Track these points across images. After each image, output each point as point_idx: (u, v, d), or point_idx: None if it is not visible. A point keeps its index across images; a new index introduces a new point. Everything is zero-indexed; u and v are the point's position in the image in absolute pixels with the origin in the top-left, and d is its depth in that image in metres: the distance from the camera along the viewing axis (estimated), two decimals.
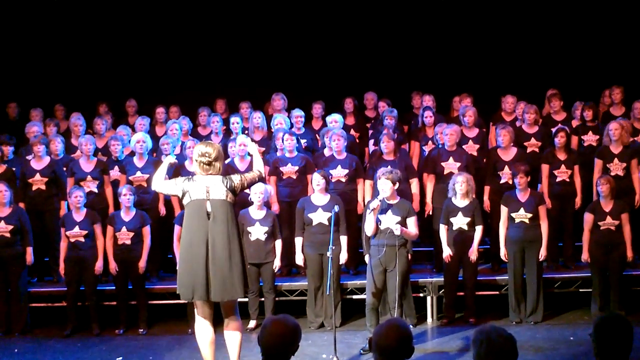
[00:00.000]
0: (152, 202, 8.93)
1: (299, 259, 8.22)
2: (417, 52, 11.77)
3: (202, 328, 6.15)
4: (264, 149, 9.48)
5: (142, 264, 8.35)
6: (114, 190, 8.90)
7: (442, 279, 8.41)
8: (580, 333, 7.70)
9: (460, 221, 8.08)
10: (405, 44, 11.82)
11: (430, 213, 8.87)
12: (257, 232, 8.12)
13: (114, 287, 8.52)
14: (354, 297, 8.58)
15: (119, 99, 11.18)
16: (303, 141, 9.43)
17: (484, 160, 9.18)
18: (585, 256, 8.23)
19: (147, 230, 8.42)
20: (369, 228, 7.32)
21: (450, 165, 8.71)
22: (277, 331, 3.59)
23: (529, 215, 8.06)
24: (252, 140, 9.36)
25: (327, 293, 7.55)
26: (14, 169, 9.10)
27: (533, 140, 9.28)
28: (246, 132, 9.84)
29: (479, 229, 8.08)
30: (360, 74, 11.65)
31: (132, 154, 9.17)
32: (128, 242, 8.33)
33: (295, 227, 8.26)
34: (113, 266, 8.35)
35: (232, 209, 6.02)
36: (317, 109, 10.31)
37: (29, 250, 8.46)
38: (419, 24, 11.84)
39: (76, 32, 11.89)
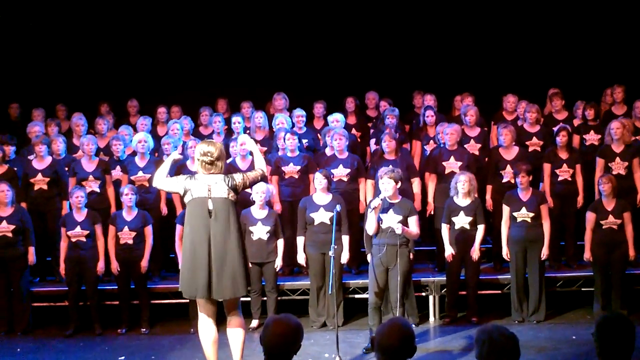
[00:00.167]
0: (154, 202, 8.93)
1: (301, 259, 8.22)
2: (419, 51, 11.77)
3: (205, 327, 6.15)
4: (265, 148, 9.49)
5: (144, 263, 8.36)
6: (115, 190, 8.90)
7: (444, 278, 8.41)
8: (582, 332, 7.70)
9: (462, 220, 8.08)
10: (407, 43, 11.82)
11: (432, 212, 8.87)
12: (259, 232, 8.13)
13: (116, 287, 8.53)
14: (356, 296, 8.58)
15: (120, 98, 11.18)
16: (304, 141, 9.44)
17: (486, 159, 9.17)
18: (587, 255, 8.22)
19: (149, 230, 8.42)
20: (370, 227, 7.32)
21: (452, 164, 8.71)
22: (280, 330, 3.59)
23: (531, 214, 8.06)
24: (254, 139, 9.38)
25: (329, 292, 7.54)
26: (15, 169, 9.10)
27: (535, 140, 9.28)
28: (248, 131, 9.85)
29: (480, 228, 8.08)
30: (361, 73, 11.65)
31: (134, 153, 9.17)
32: (130, 241, 8.33)
33: (297, 227, 8.27)
34: (115, 266, 8.35)
35: (233, 208, 6.03)
36: (319, 108, 10.32)
37: (31, 250, 8.47)
38: (420, 23, 11.83)
39: (78, 32, 11.89)
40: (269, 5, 11.91)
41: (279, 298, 8.40)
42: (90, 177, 8.90)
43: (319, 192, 8.11)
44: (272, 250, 8.20)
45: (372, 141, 9.83)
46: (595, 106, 9.48)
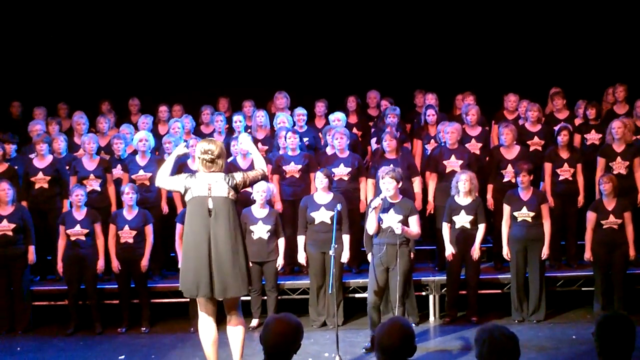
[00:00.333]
0: (155, 201, 8.94)
1: (302, 258, 8.23)
2: (420, 50, 11.77)
3: (206, 326, 6.16)
4: (267, 147, 9.50)
5: (144, 262, 8.36)
6: (116, 189, 8.90)
7: (445, 277, 8.41)
8: (582, 332, 7.69)
9: (462, 219, 8.08)
10: (408, 42, 11.82)
11: (432, 212, 8.86)
12: (260, 231, 8.13)
13: (116, 286, 8.54)
14: (357, 295, 8.58)
15: (121, 97, 11.19)
16: (305, 139, 9.43)
17: (487, 158, 9.17)
18: (587, 255, 8.22)
19: (149, 229, 8.43)
20: (370, 227, 7.32)
21: (453, 163, 8.70)
22: (280, 330, 3.59)
23: (532, 213, 8.06)
24: (255, 139, 9.38)
25: (330, 292, 7.55)
26: (16, 167, 9.11)
27: (536, 139, 9.27)
28: (249, 130, 9.85)
29: (481, 228, 8.08)
30: (362, 72, 11.65)
31: (135, 152, 9.17)
32: (130, 240, 8.33)
33: (297, 226, 8.27)
34: (115, 265, 8.35)
35: (234, 207, 6.02)
36: (320, 107, 10.32)
37: (32, 248, 8.47)
38: (422, 22, 11.83)
39: (79, 31, 11.90)
40: (271, 4, 11.91)
41: (279, 297, 8.40)
42: (91, 176, 8.90)
43: (320, 192, 8.11)
44: (272, 250, 8.20)
45: (373, 140, 9.83)
46: (596, 105, 9.47)
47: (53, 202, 8.98)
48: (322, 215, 8.02)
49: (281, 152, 9.05)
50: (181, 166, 8.73)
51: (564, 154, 8.81)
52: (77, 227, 8.30)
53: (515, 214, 8.10)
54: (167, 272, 9.11)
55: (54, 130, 9.78)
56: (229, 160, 8.54)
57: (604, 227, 8.11)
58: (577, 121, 9.74)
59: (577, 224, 8.83)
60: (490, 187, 8.87)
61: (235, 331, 6.17)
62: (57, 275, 8.88)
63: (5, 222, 8.35)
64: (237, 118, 9.78)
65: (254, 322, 8.28)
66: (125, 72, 11.83)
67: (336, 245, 7.25)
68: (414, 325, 7.79)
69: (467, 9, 11.78)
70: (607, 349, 3.53)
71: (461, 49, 11.73)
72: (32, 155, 9.27)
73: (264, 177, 6.49)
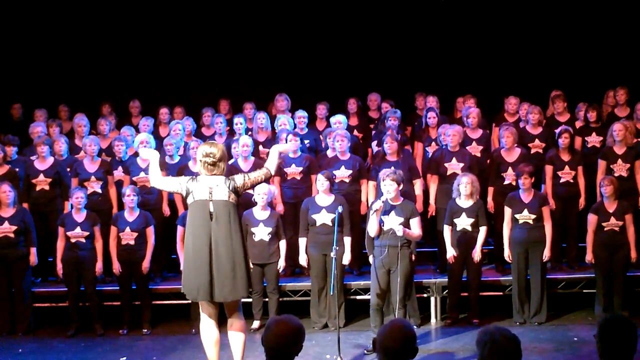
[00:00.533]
0: (156, 203, 8.94)
1: (303, 260, 8.23)
2: (421, 53, 11.77)
3: (207, 328, 6.16)
4: (268, 149, 9.48)
5: (145, 264, 8.36)
6: (117, 191, 8.90)
7: (446, 279, 8.41)
8: (584, 334, 7.70)
9: (464, 222, 8.08)
10: (409, 45, 11.82)
11: (434, 214, 8.86)
12: (261, 233, 8.13)
13: (117, 288, 8.53)
14: (358, 297, 8.58)
15: (122, 99, 11.19)
16: (306, 142, 9.44)
17: (488, 161, 9.17)
18: (589, 257, 8.22)
19: (150, 231, 8.43)
20: (372, 229, 7.32)
21: (454, 165, 8.71)
22: (281, 331, 3.59)
23: (533, 216, 8.06)
24: (256, 141, 9.39)
25: (331, 293, 7.55)
26: (17, 169, 9.11)
27: (537, 142, 9.27)
28: (250, 132, 9.85)
29: (482, 230, 8.08)
30: (363, 74, 11.65)
31: (136, 154, 9.16)
32: (132, 242, 8.34)
33: (299, 228, 8.27)
34: (117, 266, 8.36)
35: (235, 210, 6.02)
36: (322, 109, 10.32)
37: (33, 250, 8.47)
38: (423, 25, 11.84)
39: (80, 33, 11.90)
40: (272, 6, 11.91)
41: (280, 299, 8.41)
42: (92, 178, 8.90)
43: (321, 194, 8.11)
44: (274, 252, 8.20)
45: (374, 143, 9.83)
46: (597, 108, 9.47)
47: (54, 204, 8.98)
48: (323, 218, 8.02)
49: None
50: (182, 168, 8.74)
51: (565, 157, 8.81)
52: (78, 230, 8.31)
53: (517, 216, 8.10)
54: (168, 273, 9.12)
55: (55, 132, 9.77)
56: (230, 162, 8.54)
57: (605, 229, 8.11)
58: (578, 124, 9.73)
59: (578, 226, 8.83)
60: (490, 189, 8.87)
61: (237, 333, 6.17)
62: (58, 277, 8.88)
63: (6, 224, 8.35)
64: (238, 120, 9.78)
65: (256, 324, 8.28)
66: (126, 74, 11.83)
67: (337, 247, 7.26)
68: (415, 327, 7.79)
69: (468, 12, 11.78)
70: (608, 351, 3.53)
71: (462, 51, 11.73)
72: (33, 157, 9.28)
73: (268, 178, 6.41)
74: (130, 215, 8.40)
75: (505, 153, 8.83)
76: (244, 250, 6.06)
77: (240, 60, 11.97)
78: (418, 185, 8.74)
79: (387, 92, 10.97)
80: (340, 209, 7.62)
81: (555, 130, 9.08)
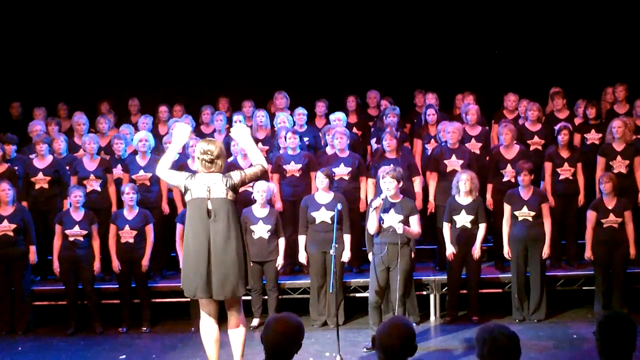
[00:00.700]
0: (155, 201, 8.94)
1: (302, 257, 8.23)
2: (420, 50, 11.76)
3: (207, 325, 6.15)
4: (267, 147, 9.50)
5: (145, 262, 8.36)
6: (117, 189, 8.90)
7: (445, 277, 8.41)
8: (583, 331, 7.70)
9: (463, 219, 8.08)
10: (408, 42, 11.81)
11: (433, 211, 8.87)
12: (260, 231, 8.13)
13: (116, 286, 8.54)
14: (357, 295, 8.58)
15: (121, 97, 11.19)
16: (305, 139, 9.43)
17: (487, 158, 9.17)
18: (588, 254, 8.22)
19: (150, 229, 8.43)
20: (371, 226, 7.32)
21: (453, 162, 8.71)
22: (281, 329, 3.59)
23: (532, 213, 8.06)
24: (256, 139, 9.38)
25: (330, 291, 7.55)
26: (16, 168, 9.11)
27: (536, 138, 9.27)
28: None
29: (482, 227, 8.07)
30: (362, 72, 11.65)
31: (135, 152, 9.17)
32: (131, 240, 8.33)
33: (298, 225, 8.27)
34: (116, 265, 8.35)
35: (233, 207, 6.00)
36: (321, 107, 10.32)
37: (32, 249, 8.47)
38: (421, 22, 11.83)
39: (79, 31, 11.89)
40: (271, 3, 11.90)
41: (279, 297, 8.41)
42: (92, 176, 8.90)
43: (321, 191, 8.11)
44: (273, 249, 8.20)
45: (373, 140, 9.83)
46: (596, 105, 9.48)
47: (53, 202, 8.98)
48: (322, 215, 8.02)
49: (281, 151, 9.05)
50: (181, 166, 8.73)
51: (564, 154, 8.81)
52: (76, 228, 8.30)
53: (516, 213, 8.10)
54: (168, 272, 9.12)
55: (54, 131, 9.78)
56: (229, 160, 8.55)
57: (604, 226, 8.11)
58: (577, 121, 9.74)
59: (577, 223, 8.83)
60: (489, 186, 8.87)
61: (236, 331, 6.17)
62: (56, 275, 8.89)
63: (5, 222, 8.35)
64: (237, 118, 9.79)
65: (255, 321, 8.28)
66: (125, 72, 11.82)
67: (337, 245, 7.26)
68: (414, 324, 7.77)
69: (467, 8, 11.77)
70: (608, 348, 3.53)
71: (461, 48, 11.73)
72: (32, 156, 9.27)
73: (264, 173, 6.39)
74: (129, 214, 8.40)
75: (504, 150, 8.83)
76: (243, 247, 6.05)
77: (239, 58, 11.96)
78: (417, 183, 8.74)
79: (386, 89, 10.97)
80: (339, 206, 7.62)
81: (555, 127, 9.08)
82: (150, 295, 8.58)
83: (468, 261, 8.16)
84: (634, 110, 9.53)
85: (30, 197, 8.96)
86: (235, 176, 6.02)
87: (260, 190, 8.08)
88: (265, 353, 3.60)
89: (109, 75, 11.80)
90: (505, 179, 8.75)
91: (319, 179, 8.06)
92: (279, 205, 8.76)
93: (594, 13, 11.44)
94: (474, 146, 9.19)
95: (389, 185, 7.29)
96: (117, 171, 9.14)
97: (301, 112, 9.75)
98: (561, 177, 8.80)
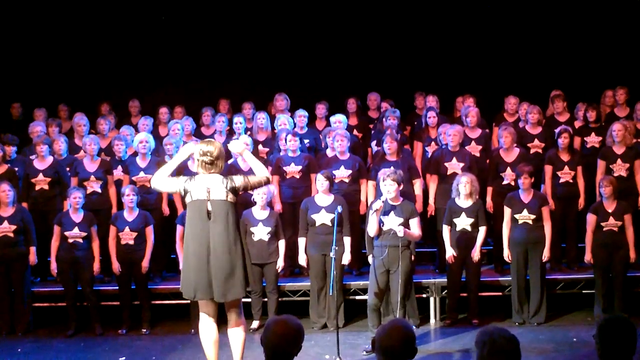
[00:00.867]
0: (156, 203, 8.93)
1: (302, 260, 8.22)
2: (420, 52, 11.77)
3: (206, 327, 6.15)
4: (268, 149, 9.50)
5: (145, 264, 8.36)
6: (117, 191, 8.90)
7: (445, 279, 8.41)
8: (583, 334, 7.70)
9: (463, 222, 8.07)
10: (409, 44, 11.82)
11: (433, 214, 8.86)
12: (260, 233, 8.13)
13: (116, 287, 8.53)
14: (357, 297, 8.58)
15: (122, 99, 11.19)
16: (306, 141, 9.43)
17: (487, 161, 9.17)
18: (588, 257, 8.22)
19: (150, 230, 8.42)
20: (371, 229, 7.31)
21: (454, 165, 8.71)
22: (280, 331, 3.59)
23: (532, 216, 8.06)
24: (256, 140, 9.39)
25: (330, 294, 7.55)
26: (16, 169, 9.11)
27: (536, 141, 9.28)
28: (249, 132, 9.85)
29: (482, 230, 8.07)
30: (363, 74, 11.65)
31: (135, 154, 9.17)
32: (131, 242, 8.33)
33: (298, 228, 8.27)
34: (116, 266, 8.35)
35: (233, 209, 6.00)
36: (321, 109, 10.32)
37: (32, 250, 8.47)
38: (422, 24, 11.83)
39: (79, 32, 11.89)
40: (271, 5, 11.91)
41: (279, 299, 8.40)
42: (92, 178, 8.90)
43: (321, 194, 8.11)
44: (273, 251, 8.20)
45: (374, 142, 9.83)
46: (596, 108, 9.48)
47: (53, 203, 8.98)
48: (322, 218, 8.02)
49: (282, 153, 9.05)
50: (182, 168, 8.72)
51: (565, 157, 8.81)
52: (76, 230, 8.30)
53: (516, 216, 8.10)
54: (168, 273, 9.12)
55: (54, 132, 9.78)
56: (229, 162, 8.55)
57: (604, 229, 8.11)
58: (578, 124, 9.74)
59: (577, 226, 8.83)
60: (489, 189, 8.87)
61: (236, 333, 6.17)
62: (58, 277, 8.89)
63: (5, 223, 8.35)
64: (238, 120, 9.79)
65: (255, 323, 8.28)
66: (125, 73, 11.82)
67: (337, 247, 7.25)
68: (414, 327, 7.78)
69: (467, 11, 11.78)
70: (608, 351, 3.53)
71: (462, 51, 11.73)
72: (32, 157, 9.28)
73: (268, 183, 6.38)
74: (129, 215, 8.40)
75: (504, 153, 8.83)
76: (243, 249, 6.05)
77: (240, 59, 11.96)
78: (418, 185, 8.74)
79: (387, 91, 10.97)
80: (339, 209, 7.62)
81: (555, 130, 9.08)
82: (150, 296, 8.58)
83: (468, 264, 8.16)
84: (634, 113, 9.53)
85: (31, 198, 8.96)
86: (238, 180, 6.02)
87: (260, 193, 8.07)
88: (265, 355, 3.59)
89: (110, 77, 11.80)
90: (505, 182, 8.75)
91: (319, 181, 8.06)
92: (278, 206, 8.75)
93: (594, 16, 11.44)
94: (474, 149, 9.19)
95: (389, 187, 7.29)
96: (118, 172, 9.14)
97: (302, 114, 9.75)
98: (561, 180, 8.80)
